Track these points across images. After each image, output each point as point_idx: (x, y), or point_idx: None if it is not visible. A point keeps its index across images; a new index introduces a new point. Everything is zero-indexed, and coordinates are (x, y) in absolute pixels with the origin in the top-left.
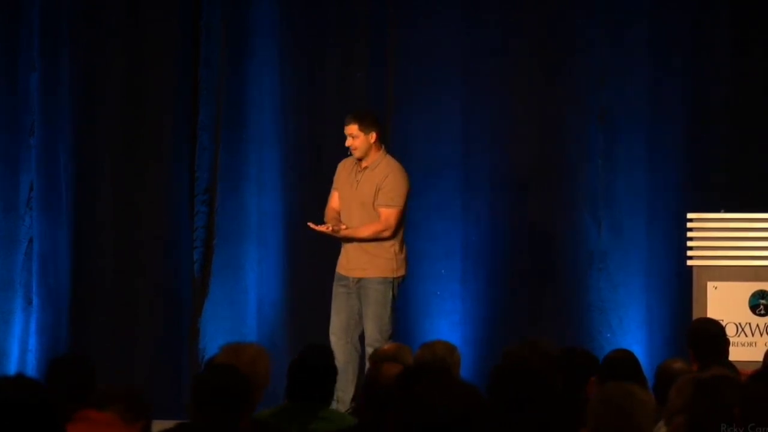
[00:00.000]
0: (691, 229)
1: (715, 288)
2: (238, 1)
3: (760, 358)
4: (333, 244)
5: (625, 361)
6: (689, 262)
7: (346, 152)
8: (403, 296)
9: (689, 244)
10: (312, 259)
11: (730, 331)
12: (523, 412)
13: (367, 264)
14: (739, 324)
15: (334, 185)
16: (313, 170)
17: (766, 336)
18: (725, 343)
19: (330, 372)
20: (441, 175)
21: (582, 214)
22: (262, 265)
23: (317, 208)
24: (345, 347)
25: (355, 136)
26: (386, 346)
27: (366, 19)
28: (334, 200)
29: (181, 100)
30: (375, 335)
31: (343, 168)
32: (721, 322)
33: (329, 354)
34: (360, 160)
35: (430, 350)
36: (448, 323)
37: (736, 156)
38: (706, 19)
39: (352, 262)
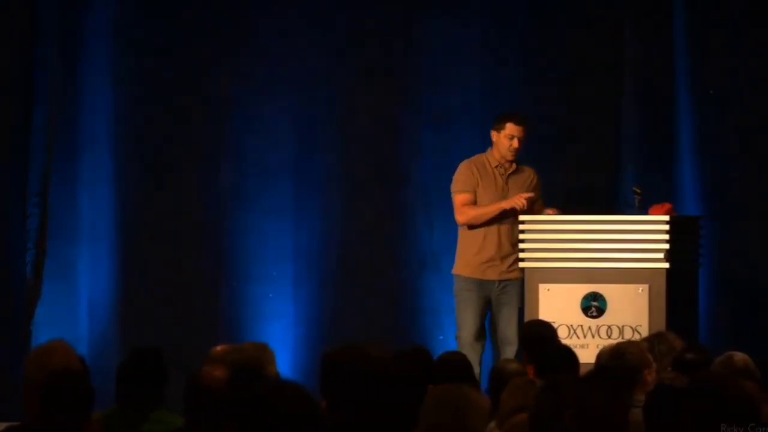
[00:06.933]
0: (522, 231)
1: (548, 290)
2: (73, 3)
3: (592, 359)
4: (157, 250)
5: (456, 362)
6: (521, 264)
7: (178, 154)
8: (235, 298)
9: (521, 246)
10: (145, 261)
11: (562, 332)
12: (354, 414)
13: None
14: (572, 326)
15: (468, 188)
16: (147, 172)
17: (597, 338)
18: (558, 344)
19: (159, 374)
20: (274, 176)
21: (415, 216)
22: (95, 267)
23: (151, 210)
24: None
25: (524, 140)
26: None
27: (205, 24)
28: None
29: (14, 101)
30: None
31: (477, 171)
32: (553, 323)
33: (158, 356)
34: (510, 162)
35: (238, 351)
36: (281, 325)
37: (563, 157)
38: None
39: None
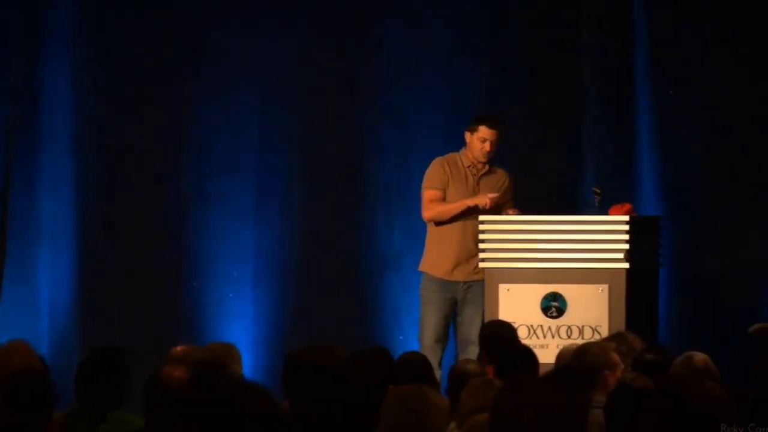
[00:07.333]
0: (482, 231)
1: (508, 290)
2: (33, 3)
3: (552, 360)
4: (117, 251)
5: (417, 363)
6: (481, 264)
7: (139, 154)
8: (196, 299)
9: (481, 246)
10: (105, 260)
11: (522, 333)
12: (315, 414)
13: None
14: (531, 326)
15: (438, 185)
16: (108, 173)
17: (557, 338)
18: (518, 344)
19: (119, 374)
20: (235, 176)
21: (375, 215)
22: (56, 267)
23: (111, 210)
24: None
25: (496, 143)
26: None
27: (167, 25)
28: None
29: None
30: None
31: (449, 169)
32: (513, 324)
33: (118, 356)
34: (483, 164)
35: (206, 351)
36: (241, 326)
37: (522, 157)
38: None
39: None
